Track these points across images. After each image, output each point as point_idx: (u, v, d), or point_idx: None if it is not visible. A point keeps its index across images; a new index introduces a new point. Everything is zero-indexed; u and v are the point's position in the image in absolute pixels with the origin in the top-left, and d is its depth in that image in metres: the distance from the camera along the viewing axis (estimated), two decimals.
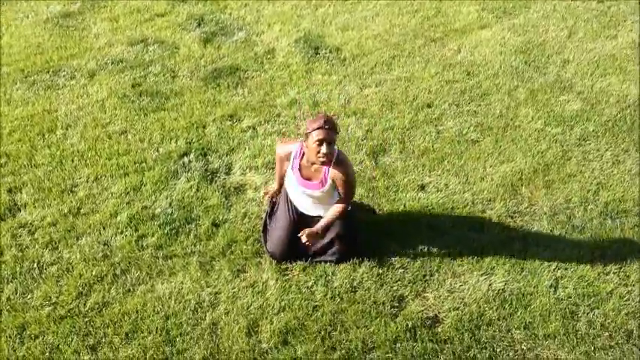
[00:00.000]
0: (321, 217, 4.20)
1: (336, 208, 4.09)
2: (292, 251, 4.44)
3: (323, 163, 3.86)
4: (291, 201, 4.35)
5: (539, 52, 6.84)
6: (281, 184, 4.48)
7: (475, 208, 4.91)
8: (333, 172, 3.96)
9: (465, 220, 4.80)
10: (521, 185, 5.11)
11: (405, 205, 4.92)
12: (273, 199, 4.60)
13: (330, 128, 3.75)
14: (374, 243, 4.60)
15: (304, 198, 4.22)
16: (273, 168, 5.29)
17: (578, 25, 7.37)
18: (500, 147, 5.51)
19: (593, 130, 5.68)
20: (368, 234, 4.64)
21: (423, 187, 5.12)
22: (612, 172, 5.23)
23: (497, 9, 7.77)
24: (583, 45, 6.96)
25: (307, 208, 4.30)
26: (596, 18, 7.50)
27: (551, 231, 4.69)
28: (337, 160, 3.93)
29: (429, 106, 6.05)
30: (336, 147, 3.94)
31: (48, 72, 6.56)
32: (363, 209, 4.79)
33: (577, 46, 6.95)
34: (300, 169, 4.08)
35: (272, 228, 4.51)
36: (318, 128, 3.75)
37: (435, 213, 4.86)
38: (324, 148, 3.77)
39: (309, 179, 4.08)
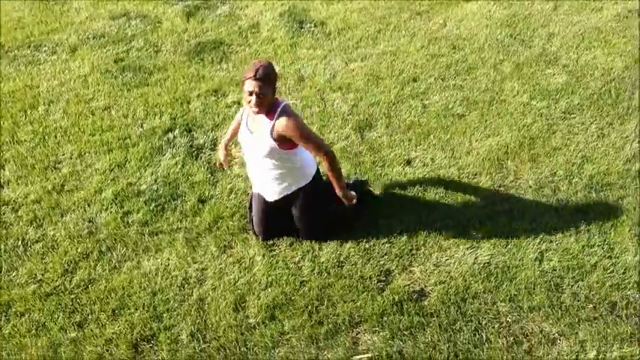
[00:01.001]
0: (287, 195, 4.16)
1: (325, 165, 3.97)
2: (274, 231, 4.43)
3: (256, 113, 3.78)
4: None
5: (525, 26, 6.83)
6: (232, 136, 4.37)
7: (461, 183, 4.92)
8: (278, 125, 3.80)
9: (451, 195, 4.81)
10: (507, 159, 5.12)
11: (391, 180, 4.92)
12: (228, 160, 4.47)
13: (259, 79, 3.68)
14: (360, 218, 4.60)
15: (262, 171, 4.07)
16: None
17: None
18: (486, 121, 5.51)
19: (578, 104, 5.69)
20: (353, 210, 4.64)
21: (409, 162, 5.12)
22: (597, 145, 5.25)
23: None
24: (568, 18, 6.94)
25: (270, 188, 4.17)
26: None
27: (536, 204, 4.72)
28: (281, 111, 3.82)
29: (414, 80, 6.03)
30: (283, 99, 3.87)
31: (29, 47, 6.46)
32: (363, 191, 4.74)
33: (562, 19, 6.93)
34: (248, 125, 4.00)
35: (253, 210, 4.47)
36: (247, 79, 3.71)
37: (422, 187, 4.86)
38: (253, 100, 3.72)
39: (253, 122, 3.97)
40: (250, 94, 3.72)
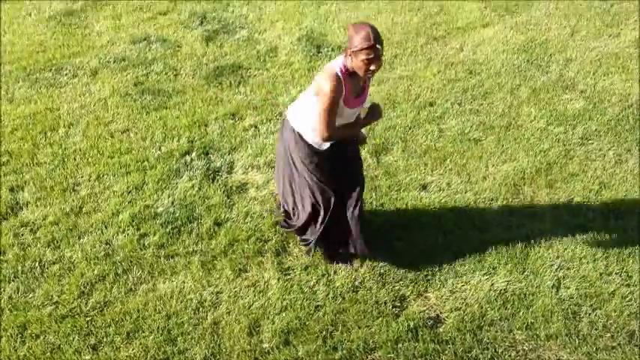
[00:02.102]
0: None
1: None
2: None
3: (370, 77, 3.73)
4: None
5: (542, 51, 6.83)
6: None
7: (477, 208, 4.90)
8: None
9: (467, 220, 4.79)
10: (524, 185, 5.10)
11: (407, 204, 4.91)
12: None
13: (380, 44, 3.56)
14: (375, 242, 4.59)
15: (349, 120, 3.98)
16: (274, 167, 5.28)
17: (580, 23, 7.34)
18: (503, 146, 5.50)
19: (595, 130, 5.67)
20: (369, 233, 4.64)
21: (425, 187, 5.12)
22: (615, 171, 5.22)
23: (499, 7, 7.75)
24: (585, 43, 6.94)
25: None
26: (598, 16, 7.48)
27: (553, 231, 4.68)
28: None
29: (431, 104, 6.04)
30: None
31: (50, 70, 6.56)
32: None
33: (579, 44, 6.93)
34: (349, 95, 3.80)
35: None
36: (367, 48, 3.54)
37: (438, 212, 4.85)
38: (373, 66, 3.60)
39: (359, 96, 3.89)
40: (370, 62, 3.58)
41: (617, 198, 4.94)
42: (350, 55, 3.64)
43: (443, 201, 4.96)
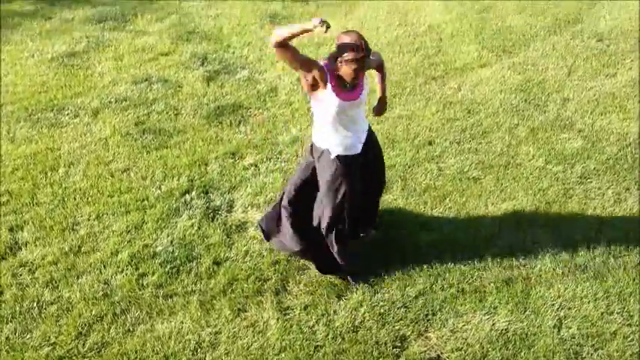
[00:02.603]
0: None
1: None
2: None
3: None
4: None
5: (539, 91, 6.89)
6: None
7: (477, 247, 4.89)
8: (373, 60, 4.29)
9: (467, 259, 4.77)
10: (524, 223, 5.09)
11: (407, 243, 4.90)
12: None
13: (363, 52, 3.88)
14: (375, 281, 4.57)
15: (355, 121, 4.23)
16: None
17: (577, 63, 7.43)
18: (502, 185, 5.51)
19: (594, 168, 5.69)
20: (369, 274, 4.63)
21: (425, 225, 5.11)
22: (614, 210, 5.22)
23: (496, 47, 7.85)
24: (583, 83, 7.01)
25: (362, 130, 4.35)
26: (595, 56, 7.57)
27: (554, 270, 4.67)
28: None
29: (430, 143, 6.08)
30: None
31: (52, 110, 6.62)
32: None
33: (577, 84, 7.00)
34: (338, 89, 4.04)
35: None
36: (352, 60, 3.89)
37: (437, 251, 4.83)
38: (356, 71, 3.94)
39: (350, 92, 4.09)
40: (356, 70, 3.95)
41: (617, 237, 4.93)
42: (340, 64, 3.95)
43: (443, 240, 4.95)
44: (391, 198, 5.37)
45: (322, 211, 4.36)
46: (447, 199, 5.37)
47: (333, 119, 4.11)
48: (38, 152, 5.96)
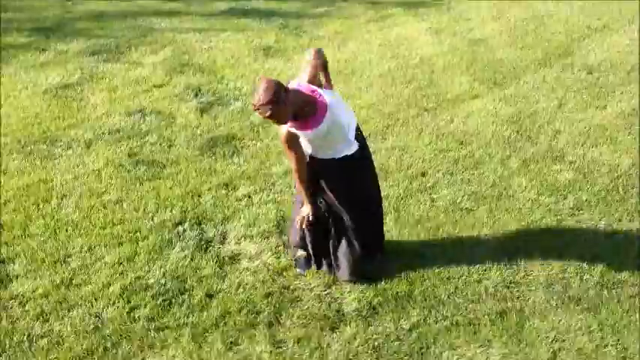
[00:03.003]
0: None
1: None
2: None
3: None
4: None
5: (531, 123, 6.95)
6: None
7: (471, 278, 4.88)
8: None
9: (461, 291, 4.76)
10: (517, 255, 5.09)
11: (401, 275, 4.89)
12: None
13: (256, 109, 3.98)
14: (369, 314, 4.55)
15: (340, 126, 4.31)
16: (268, 237, 5.29)
17: (568, 96, 7.50)
18: (495, 216, 5.53)
19: (586, 200, 5.71)
20: (361, 305, 4.61)
21: (418, 257, 5.10)
22: (607, 241, 5.23)
23: (488, 80, 7.93)
24: (573, 115, 7.07)
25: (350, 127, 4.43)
26: (585, 89, 7.65)
27: (547, 302, 4.66)
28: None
29: (423, 174, 6.10)
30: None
31: (45, 142, 6.62)
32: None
33: (567, 116, 7.06)
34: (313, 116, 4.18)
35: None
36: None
37: (431, 283, 4.82)
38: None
39: (314, 116, 4.19)
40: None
41: (610, 268, 4.93)
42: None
43: (436, 271, 4.94)
44: (385, 229, 5.36)
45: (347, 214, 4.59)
46: (440, 230, 5.38)
47: (326, 141, 4.26)
48: (31, 184, 5.95)
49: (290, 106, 3.98)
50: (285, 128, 4.10)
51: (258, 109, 3.92)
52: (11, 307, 4.64)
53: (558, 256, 5.07)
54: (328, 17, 10.17)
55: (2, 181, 6.00)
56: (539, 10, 10.24)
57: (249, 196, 5.79)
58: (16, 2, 10.87)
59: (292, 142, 4.13)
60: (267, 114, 3.91)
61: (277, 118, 3.99)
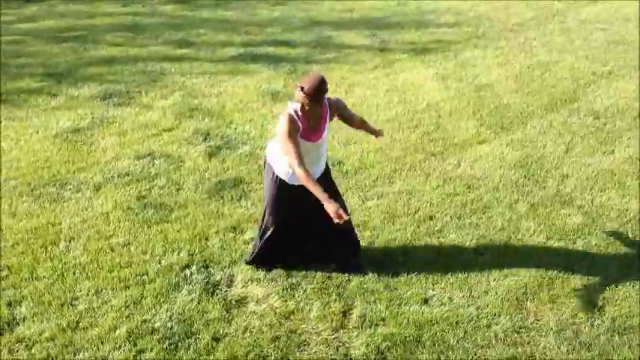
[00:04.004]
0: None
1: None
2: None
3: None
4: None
5: (538, 167, 6.97)
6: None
7: (480, 323, 4.83)
8: (331, 104, 4.88)
9: (470, 336, 4.71)
10: (526, 300, 5.05)
11: (408, 319, 4.85)
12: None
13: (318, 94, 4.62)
14: (377, 359, 4.49)
15: (320, 155, 4.93)
16: (275, 280, 5.26)
17: (575, 140, 7.54)
18: (504, 260, 5.50)
19: (595, 244, 5.68)
20: (369, 349, 4.56)
21: (426, 301, 5.07)
22: (617, 286, 5.19)
23: (494, 125, 7.98)
24: (581, 160, 7.09)
25: (321, 164, 5.03)
26: (592, 134, 7.69)
27: (558, 347, 4.60)
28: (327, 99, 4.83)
29: (430, 218, 6.09)
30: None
31: (54, 185, 6.67)
32: None
33: (575, 161, 7.08)
34: (307, 131, 4.74)
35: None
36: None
37: (439, 327, 4.78)
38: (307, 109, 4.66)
39: (316, 130, 4.79)
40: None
41: (621, 313, 4.88)
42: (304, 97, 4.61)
43: (445, 316, 4.89)
44: (392, 272, 5.34)
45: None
46: (449, 274, 5.34)
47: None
48: (39, 227, 5.97)
49: (317, 110, 4.71)
50: (289, 112, 4.67)
51: (302, 90, 4.56)
52: (17, 351, 4.60)
53: (568, 301, 5.03)
54: (336, 63, 10.31)
55: (11, 223, 6.02)
56: (544, 57, 10.36)
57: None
58: (29, 48, 11.08)
59: (294, 128, 4.65)
60: (302, 99, 4.58)
61: (303, 107, 4.64)
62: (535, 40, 11.36)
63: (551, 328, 4.76)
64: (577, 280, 5.25)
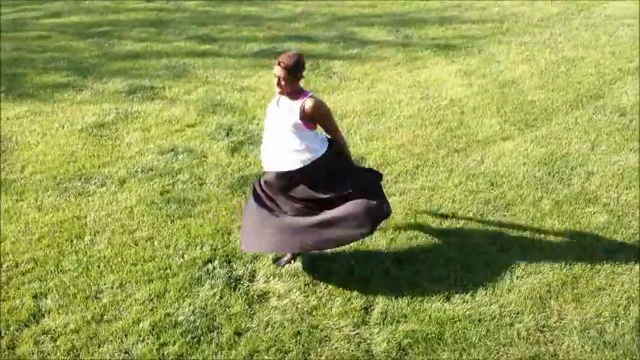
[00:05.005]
0: (306, 167, 4.94)
1: (339, 143, 5.13)
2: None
3: (279, 93, 4.86)
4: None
5: (563, 164, 6.90)
6: None
7: (503, 321, 4.80)
8: (307, 104, 4.81)
9: (492, 334, 4.68)
10: (550, 298, 5.01)
11: (430, 317, 4.83)
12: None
13: (284, 67, 4.69)
14: (398, 355, 4.49)
15: (284, 143, 4.89)
16: (296, 276, 5.28)
17: (600, 138, 7.45)
18: (527, 258, 5.45)
19: (620, 243, 5.62)
20: (391, 346, 4.56)
21: (448, 298, 5.05)
22: None
23: (519, 121, 7.92)
24: (606, 157, 7.01)
25: (290, 158, 4.91)
26: (618, 131, 7.60)
27: (582, 347, 4.55)
28: (310, 96, 4.85)
29: (453, 215, 6.06)
30: (309, 93, 4.90)
31: (80, 179, 6.75)
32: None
33: (600, 158, 7.00)
34: (279, 103, 4.96)
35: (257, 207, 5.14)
36: (275, 64, 4.75)
37: (462, 325, 4.76)
38: (275, 82, 4.79)
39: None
40: (275, 76, 4.77)
41: None
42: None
43: (467, 314, 4.87)
44: (414, 270, 5.33)
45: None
46: (471, 271, 5.32)
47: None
48: (65, 220, 6.05)
49: (296, 84, 4.84)
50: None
51: (280, 65, 4.69)
52: (42, 342, 4.67)
53: (593, 300, 4.98)
54: (359, 59, 10.30)
55: (37, 217, 6.10)
56: (570, 53, 10.25)
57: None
58: (55, 43, 11.21)
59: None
60: (282, 74, 4.70)
61: (285, 82, 4.75)
62: (560, 35, 11.24)
63: (575, 327, 4.72)
64: (601, 279, 5.19)
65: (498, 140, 7.49)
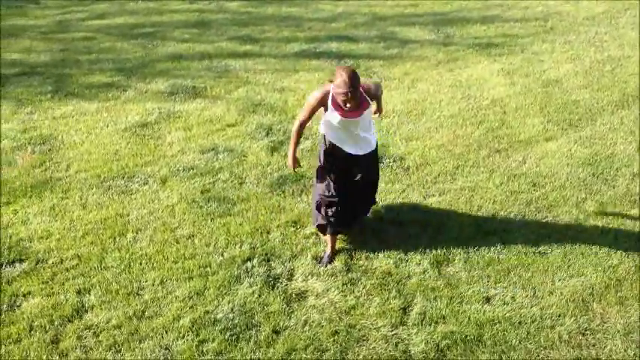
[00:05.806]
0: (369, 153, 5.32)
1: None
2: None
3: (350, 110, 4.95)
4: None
5: (607, 165, 6.76)
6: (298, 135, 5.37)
7: (544, 324, 4.73)
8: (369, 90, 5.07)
9: (533, 336, 4.62)
10: (593, 301, 4.91)
11: (469, 318, 4.79)
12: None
13: (353, 91, 4.76)
14: (436, 356, 4.46)
15: (350, 134, 5.15)
16: (335, 275, 5.28)
17: None
18: (570, 260, 5.36)
19: None
20: (429, 347, 4.53)
21: (488, 300, 4.99)
22: None
23: (562, 121, 7.78)
24: None
25: (357, 146, 5.23)
26: None
27: (625, 350, 4.46)
28: (367, 91, 5.05)
29: (493, 216, 6.00)
30: (364, 83, 5.06)
31: (123, 178, 6.87)
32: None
33: None
34: (339, 107, 4.98)
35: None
36: (342, 93, 4.77)
37: (501, 327, 4.70)
38: (348, 105, 4.87)
39: (353, 111, 4.98)
40: (345, 103, 4.86)
41: None
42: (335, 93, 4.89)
43: (507, 315, 4.81)
44: (453, 270, 5.29)
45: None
46: (512, 273, 5.25)
47: (337, 129, 5.16)
48: (108, 218, 6.17)
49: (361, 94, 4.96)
50: (325, 88, 5.03)
51: (349, 93, 4.76)
52: (85, 337, 4.77)
53: (637, 304, 4.86)
54: (399, 59, 10.25)
55: (81, 214, 6.23)
56: (615, 52, 10.03)
57: (317, 235, 5.81)
58: (100, 44, 11.43)
59: (320, 102, 5.07)
60: (345, 92, 4.76)
61: (355, 99, 4.85)
62: (606, 34, 11.02)
63: (618, 331, 4.62)
64: None
65: (541, 140, 7.37)
